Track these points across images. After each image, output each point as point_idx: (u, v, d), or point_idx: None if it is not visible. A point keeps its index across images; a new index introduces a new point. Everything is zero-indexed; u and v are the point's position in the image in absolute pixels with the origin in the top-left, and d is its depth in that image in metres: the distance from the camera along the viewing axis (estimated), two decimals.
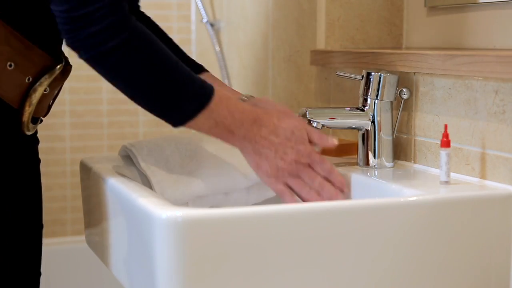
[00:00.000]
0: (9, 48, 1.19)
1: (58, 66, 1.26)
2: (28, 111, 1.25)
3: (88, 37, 1.11)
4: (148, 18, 1.51)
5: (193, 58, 1.48)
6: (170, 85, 1.16)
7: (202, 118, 1.18)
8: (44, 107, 1.31)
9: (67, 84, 2.47)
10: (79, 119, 2.54)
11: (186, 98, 1.16)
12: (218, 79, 1.48)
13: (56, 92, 1.32)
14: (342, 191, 1.27)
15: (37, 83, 1.24)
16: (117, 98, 2.53)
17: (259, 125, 1.22)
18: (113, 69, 1.14)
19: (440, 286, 1.14)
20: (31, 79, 1.24)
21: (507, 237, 1.16)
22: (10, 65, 1.21)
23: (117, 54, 1.12)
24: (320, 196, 1.25)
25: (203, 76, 1.43)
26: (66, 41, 1.14)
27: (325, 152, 1.45)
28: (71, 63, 1.31)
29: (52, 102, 1.34)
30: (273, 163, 1.22)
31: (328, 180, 1.26)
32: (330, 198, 1.25)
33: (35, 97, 1.25)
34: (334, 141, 1.28)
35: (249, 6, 2.13)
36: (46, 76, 1.25)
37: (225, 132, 1.20)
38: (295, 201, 1.25)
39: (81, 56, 1.14)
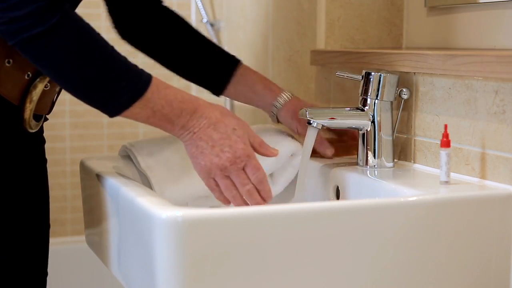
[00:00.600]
0: (6, 45, 1.19)
1: None
2: (29, 108, 1.25)
3: (13, 21, 1.08)
4: (173, 12, 1.49)
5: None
6: (103, 73, 1.12)
7: (137, 107, 1.14)
8: (47, 104, 1.30)
9: None
10: (79, 119, 2.54)
11: (120, 87, 1.13)
12: (257, 72, 1.47)
13: (58, 88, 1.32)
14: (265, 201, 1.23)
15: (37, 79, 1.24)
16: None
17: (199, 116, 1.18)
18: (40, 56, 1.10)
19: (440, 286, 1.14)
20: (30, 75, 1.23)
21: (507, 237, 1.16)
22: (9, 62, 1.20)
23: (43, 40, 1.08)
24: (245, 203, 1.22)
25: (240, 69, 1.45)
26: None
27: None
28: None
29: (55, 99, 1.34)
30: (207, 158, 1.18)
31: (256, 188, 1.22)
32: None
33: (36, 93, 1.24)
34: (275, 152, 1.25)
35: (249, 6, 2.13)
36: None
37: (163, 121, 1.17)
38: (224, 199, 1.22)
39: (8, 41, 1.10)
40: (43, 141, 1.36)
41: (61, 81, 1.14)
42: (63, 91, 1.39)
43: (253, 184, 1.21)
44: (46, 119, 1.35)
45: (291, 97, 1.44)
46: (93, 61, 1.12)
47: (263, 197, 1.22)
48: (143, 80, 1.15)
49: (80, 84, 1.13)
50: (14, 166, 1.27)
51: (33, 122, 1.27)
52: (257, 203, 1.22)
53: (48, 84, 1.26)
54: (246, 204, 1.22)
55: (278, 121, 1.47)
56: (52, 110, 1.34)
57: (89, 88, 1.13)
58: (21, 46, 1.10)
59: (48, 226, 1.37)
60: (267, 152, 1.24)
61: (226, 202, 1.23)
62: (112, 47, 1.14)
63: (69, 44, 1.10)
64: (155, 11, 1.47)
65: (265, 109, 1.47)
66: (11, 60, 1.20)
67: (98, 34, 1.13)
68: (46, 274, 1.38)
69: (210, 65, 1.46)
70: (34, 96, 1.24)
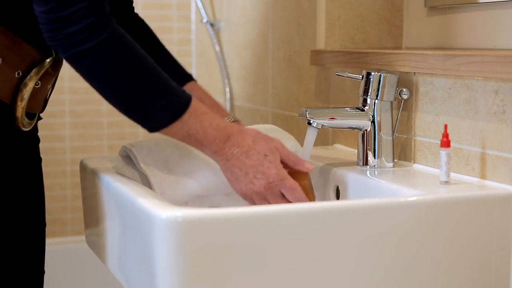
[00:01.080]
0: None
1: (48, 60, 1.27)
2: (20, 106, 1.25)
3: (67, 37, 1.12)
4: (141, 21, 1.51)
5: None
6: (145, 91, 1.16)
7: (175, 128, 1.18)
8: (39, 102, 1.30)
9: (67, 84, 2.48)
10: (79, 119, 2.54)
11: (160, 107, 1.17)
12: (204, 90, 1.48)
13: (50, 86, 1.32)
14: None
15: (27, 77, 1.24)
16: None
17: (231, 144, 1.22)
18: (90, 69, 1.15)
19: (440, 286, 1.14)
20: (20, 73, 1.24)
21: (507, 237, 1.16)
22: None
23: (94, 54, 1.13)
24: None
25: (190, 86, 1.45)
26: (46, 39, 1.15)
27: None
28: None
29: (48, 97, 1.34)
30: (243, 185, 1.23)
31: None
32: None
33: (26, 91, 1.25)
34: (310, 166, 1.27)
35: (249, 6, 2.13)
36: (36, 69, 1.25)
37: (197, 144, 1.21)
38: None
39: (60, 54, 1.15)
40: (37, 140, 1.37)
41: (107, 94, 1.18)
42: (55, 89, 1.40)
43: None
44: (40, 118, 1.35)
45: (236, 120, 1.42)
46: (138, 77, 1.16)
47: None
48: (182, 102, 1.18)
49: (124, 99, 1.18)
50: (8, 166, 1.27)
51: (26, 121, 1.27)
52: None
53: (39, 82, 1.26)
54: None
55: None
56: (48, 106, 1.35)
57: (131, 104, 1.17)
58: (73, 59, 1.14)
59: (44, 225, 1.37)
60: (302, 168, 1.27)
61: None
62: (155, 65, 1.18)
63: (117, 59, 1.14)
64: (124, 18, 1.47)
65: None
66: (0, 59, 1.21)
67: (143, 52, 1.17)
68: (43, 272, 1.38)
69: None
70: (25, 94, 1.25)
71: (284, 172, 1.24)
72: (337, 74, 1.43)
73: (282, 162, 1.25)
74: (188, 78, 1.47)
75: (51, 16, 1.12)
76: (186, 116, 1.18)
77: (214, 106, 1.45)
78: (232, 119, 1.39)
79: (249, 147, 1.22)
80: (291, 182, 1.23)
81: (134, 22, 1.50)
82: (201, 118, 1.19)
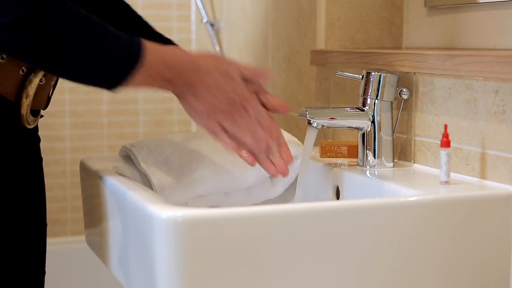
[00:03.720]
0: None
1: None
2: (26, 103, 1.25)
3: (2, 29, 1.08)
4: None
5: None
6: (98, 52, 1.12)
7: (137, 76, 1.14)
8: (43, 99, 1.30)
9: (67, 84, 2.48)
10: (79, 119, 2.54)
11: (116, 61, 1.13)
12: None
13: (53, 82, 1.32)
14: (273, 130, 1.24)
15: (32, 74, 1.24)
16: (117, 98, 2.53)
17: (197, 71, 1.19)
18: (34, 58, 1.11)
19: (440, 286, 1.14)
20: (25, 70, 1.23)
21: (507, 237, 1.16)
22: (2, 58, 1.20)
23: (34, 45, 1.09)
24: (254, 138, 1.22)
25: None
26: None
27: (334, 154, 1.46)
28: None
29: (51, 94, 1.34)
30: (206, 102, 1.19)
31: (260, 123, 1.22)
32: (263, 138, 1.22)
33: (31, 88, 1.25)
34: (266, 73, 1.25)
35: (249, 6, 2.13)
36: None
37: (163, 82, 1.18)
38: (229, 141, 1.21)
39: (1, 50, 1.13)
40: (38, 139, 1.37)
41: (61, 74, 1.16)
42: (58, 86, 1.39)
43: (256, 119, 1.22)
44: (41, 116, 1.35)
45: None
46: (87, 43, 1.11)
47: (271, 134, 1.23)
48: (136, 47, 1.14)
49: (79, 70, 1.13)
50: (10, 165, 1.27)
51: (30, 118, 1.27)
52: (264, 135, 1.22)
53: (43, 78, 1.26)
54: (255, 141, 1.22)
55: None
56: (48, 106, 1.34)
57: (88, 70, 1.13)
58: (13, 53, 1.12)
59: (45, 225, 1.37)
60: (260, 76, 1.25)
61: (237, 148, 1.22)
62: (101, 22, 1.13)
63: (63, 35, 1.10)
64: None
65: None
66: (4, 56, 1.21)
67: (86, 13, 1.13)
68: (43, 272, 1.38)
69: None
70: (30, 91, 1.25)
71: (244, 85, 1.21)
72: (337, 74, 1.43)
73: (242, 77, 1.23)
74: (170, 42, 1.42)
75: None
76: (145, 60, 1.14)
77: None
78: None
79: (210, 65, 1.19)
80: (252, 95, 1.21)
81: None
82: (162, 57, 1.16)
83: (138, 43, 1.15)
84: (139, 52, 1.14)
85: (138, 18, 1.45)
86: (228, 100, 1.20)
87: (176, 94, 1.21)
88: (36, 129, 1.35)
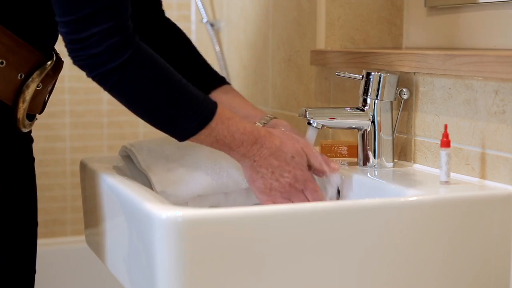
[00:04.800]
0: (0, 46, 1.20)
1: (49, 62, 1.28)
2: (22, 108, 1.26)
3: (90, 57, 1.14)
4: (173, 25, 1.52)
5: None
6: (171, 104, 1.19)
7: (203, 135, 1.21)
8: (39, 104, 1.31)
9: (67, 84, 2.48)
10: (79, 119, 2.54)
11: (187, 117, 1.20)
12: (238, 93, 1.49)
13: (50, 88, 1.33)
14: None
15: (29, 79, 1.25)
16: None
17: (260, 146, 1.24)
18: (116, 88, 1.17)
19: (440, 286, 1.14)
20: (23, 75, 1.25)
21: (507, 237, 1.16)
22: (2, 63, 1.22)
23: (118, 74, 1.15)
24: None
25: (224, 89, 1.47)
26: (72, 59, 1.17)
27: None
28: (63, 59, 1.32)
29: (47, 99, 1.35)
30: (267, 182, 1.25)
31: None
32: None
33: (29, 93, 1.26)
34: (336, 167, 1.31)
35: (249, 6, 2.13)
36: (38, 72, 1.26)
37: (225, 148, 1.24)
38: None
39: (87, 75, 1.17)
40: (31, 140, 1.37)
41: (135, 110, 1.20)
42: (55, 89, 1.40)
43: None
44: (36, 118, 1.36)
45: (273, 117, 1.43)
46: (162, 93, 1.18)
47: None
48: (208, 110, 1.21)
49: (151, 114, 1.20)
50: (4, 166, 1.27)
51: (26, 122, 1.28)
52: None
53: (40, 84, 1.27)
54: None
55: None
56: (49, 106, 1.35)
57: (160, 117, 1.20)
58: (99, 79, 1.17)
59: (35, 224, 1.38)
60: (327, 169, 1.31)
61: None
62: (180, 78, 1.20)
63: (140, 77, 1.17)
64: (156, 22, 1.48)
65: None
66: (4, 61, 1.22)
67: (167, 65, 1.20)
68: (34, 271, 1.38)
69: (196, 79, 1.46)
70: (27, 96, 1.26)
71: (309, 174, 1.27)
72: (337, 74, 1.43)
73: (308, 163, 1.29)
74: (222, 81, 1.48)
75: (73, 37, 1.14)
76: (213, 123, 1.21)
77: (248, 106, 1.46)
78: (269, 119, 1.40)
79: (277, 148, 1.25)
80: (315, 184, 1.27)
81: (165, 27, 1.51)
82: (228, 124, 1.22)
83: (211, 107, 1.21)
84: (209, 117, 1.20)
85: (194, 50, 1.50)
86: (289, 186, 1.26)
87: (239, 162, 1.27)
88: (30, 130, 1.36)
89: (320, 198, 1.28)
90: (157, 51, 1.43)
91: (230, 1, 2.30)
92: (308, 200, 1.27)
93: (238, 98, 1.47)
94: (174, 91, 1.19)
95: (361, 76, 1.39)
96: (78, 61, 1.16)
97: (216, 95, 1.45)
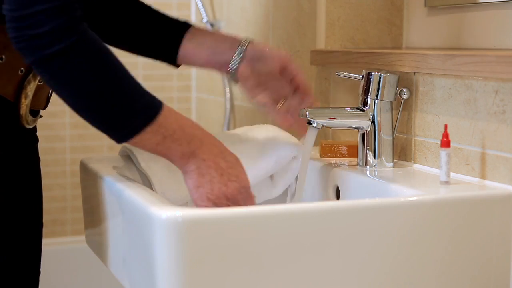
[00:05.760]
0: None
1: None
2: (25, 104, 1.25)
3: (31, 38, 1.06)
4: None
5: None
6: (116, 97, 1.10)
7: (149, 132, 1.12)
8: (42, 99, 1.30)
9: None
10: (79, 119, 2.53)
11: (133, 112, 1.11)
12: (207, 30, 1.41)
13: None
14: None
15: (31, 74, 1.24)
16: None
17: (208, 143, 1.16)
18: (56, 75, 1.09)
19: (440, 286, 1.14)
20: (24, 70, 1.23)
21: (507, 237, 1.16)
22: (1, 58, 1.20)
23: (61, 60, 1.07)
24: None
25: (191, 30, 1.37)
26: (12, 41, 1.09)
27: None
28: None
29: (51, 94, 1.34)
30: (216, 187, 1.15)
31: None
32: None
33: (31, 88, 1.24)
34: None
35: (249, 6, 2.13)
36: None
37: (172, 148, 1.14)
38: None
39: (26, 60, 1.09)
40: (36, 139, 1.37)
41: (73, 102, 1.12)
42: None
43: None
44: (40, 116, 1.35)
45: (249, 41, 1.35)
46: (107, 84, 1.10)
47: None
48: (155, 105, 1.13)
49: (91, 107, 1.11)
50: (8, 164, 1.27)
51: (30, 118, 1.27)
52: None
53: (42, 80, 1.25)
54: None
55: (237, 80, 1.37)
56: (49, 106, 1.35)
57: (101, 111, 1.11)
58: (38, 64, 1.08)
59: (41, 225, 1.37)
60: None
61: None
62: (126, 71, 1.12)
63: (84, 65, 1.08)
64: None
65: (223, 66, 1.36)
66: (3, 57, 1.20)
67: (114, 57, 1.12)
68: (39, 272, 1.38)
69: (161, 34, 1.38)
70: (29, 91, 1.24)
71: (249, 180, 1.20)
72: (337, 74, 1.43)
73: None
74: (188, 25, 1.39)
75: (16, 14, 1.06)
76: (161, 118, 1.12)
77: (224, 38, 1.37)
78: (248, 41, 1.35)
79: (224, 148, 1.18)
80: (251, 191, 1.20)
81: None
82: (177, 118, 1.14)
83: (158, 102, 1.13)
84: (156, 110, 1.12)
85: (147, 7, 1.41)
86: (235, 189, 1.17)
87: (181, 167, 1.17)
88: (34, 129, 1.35)
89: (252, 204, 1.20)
90: (113, 22, 1.36)
91: (230, 1, 2.30)
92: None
93: (209, 35, 1.38)
94: (120, 84, 1.10)
95: (361, 76, 1.39)
96: (19, 42, 1.07)
97: (192, 35, 1.36)
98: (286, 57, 1.36)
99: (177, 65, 1.40)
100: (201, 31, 1.38)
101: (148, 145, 1.14)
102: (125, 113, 1.11)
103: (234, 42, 1.36)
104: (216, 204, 1.17)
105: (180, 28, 1.37)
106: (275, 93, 1.36)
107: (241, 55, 1.34)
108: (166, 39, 1.38)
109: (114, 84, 1.10)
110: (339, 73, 1.42)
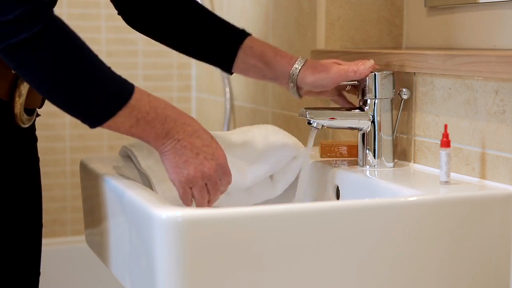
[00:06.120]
0: None
1: None
2: (19, 102, 1.24)
3: None
4: None
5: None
6: (87, 82, 1.09)
7: (122, 116, 1.11)
8: (37, 98, 1.29)
9: None
10: None
11: (105, 96, 1.10)
12: (263, 42, 1.43)
13: None
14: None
15: None
16: None
17: (182, 123, 1.16)
18: (23, 64, 1.07)
19: (440, 286, 1.14)
20: None
21: (507, 237, 1.16)
22: None
23: (28, 47, 1.06)
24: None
25: (248, 40, 1.41)
26: None
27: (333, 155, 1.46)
28: None
29: None
30: (192, 167, 1.16)
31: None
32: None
33: (24, 87, 1.23)
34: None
35: (249, 6, 2.13)
36: None
37: (147, 130, 1.14)
38: (190, 204, 1.21)
39: None
40: (35, 139, 1.36)
41: (44, 89, 1.10)
42: None
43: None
44: (38, 115, 1.35)
45: (307, 59, 1.38)
46: (78, 69, 1.09)
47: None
48: (127, 88, 1.12)
49: (62, 93, 1.10)
50: (6, 165, 1.26)
51: (25, 117, 1.26)
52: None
53: None
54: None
55: (300, 93, 1.40)
56: (49, 107, 1.34)
57: (72, 97, 1.10)
58: (7, 53, 1.07)
59: (40, 225, 1.37)
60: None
61: (189, 205, 1.22)
62: (96, 56, 1.11)
63: (54, 51, 1.07)
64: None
65: (281, 79, 1.40)
66: None
67: (83, 42, 1.11)
68: (38, 273, 1.38)
69: (218, 40, 1.41)
70: (23, 89, 1.23)
71: (226, 157, 1.20)
72: None
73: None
74: (245, 33, 1.42)
75: None
76: (133, 100, 1.11)
77: (278, 53, 1.40)
78: (304, 60, 1.38)
79: (199, 126, 1.17)
80: (228, 167, 1.21)
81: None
82: (149, 99, 1.13)
83: (130, 85, 1.13)
84: (129, 93, 1.12)
85: (205, 10, 1.43)
86: (211, 168, 1.18)
87: (157, 148, 1.17)
88: (33, 128, 1.35)
89: (229, 183, 1.21)
90: (171, 23, 1.37)
91: (230, 1, 2.30)
92: (220, 193, 1.20)
93: (266, 45, 1.42)
94: (91, 69, 1.09)
95: (356, 81, 1.39)
96: None
97: (249, 47, 1.40)
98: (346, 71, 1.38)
99: (232, 73, 1.44)
100: (258, 43, 1.42)
101: (122, 128, 1.13)
102: (98, 98, 1.10)
103: (290, 58, 1.39)
104: (193, 183, 1.17)
105: (237, 37, 1.41)
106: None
107: (299, 68, 1.37)
108: (223, 47, 1.41)
109: (84, 70, 1.09)
110: None
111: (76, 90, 1.09)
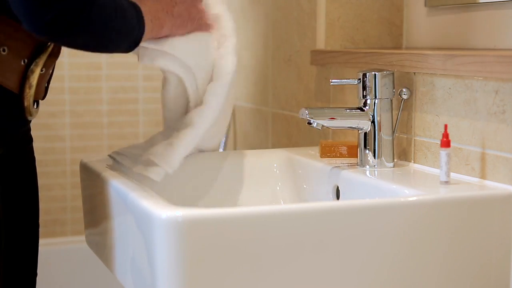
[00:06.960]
0: None
1: (49, 43, 1.25)
2: (29, 94, 1.24)
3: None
4: None
5: None
6: (125, 22, 1.21)
7: (148, 27, 1.27)
8: (42, 89, 1.29)
9: (67, 84, 2.48)
10: (79, 119, 2.54)
11: (134, 24, 1.23)
12: None
13: (51, 71, 1.31)
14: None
15: (33, 64, 1.23)
16: (117, 98, 2.53)
17: (173, 4, 1.34)
18: (79, 32, 1.13)
19: (440, 285, 1.14)
20: (26, 61, 1.23)
21: (507, 237, 1.16)
22: (4, 50, 1.20)
23: (85, 12, 1.11)
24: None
25: None
26: (26, 25, 1.09)
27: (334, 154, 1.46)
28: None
29: (48, 83, 1.33)
30: (182, 8, 1.37)
31: None
32: None
33: (34, 78, 1.24)
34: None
35: (249, 6, 2.13)
36: (41, 55, 1.23)
37: (159, 26, 1.31)
38: None
39: (48, 15, 1.09)
40: (31, 139, 1.36)
41: (95, 43, 1.20)
42: (55, 89, 1.39)
43: None
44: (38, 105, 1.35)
45: None
46: (120, 13, 1.19)
47: None
48: (140, 12, 1.25)
49: (117, 37, 1.21)
50: (4, 165, 1.26)
51: (33, 109, 1.27)
52: None
53: (43, 68, 1.25)
54: None
55: None
56: (48, 107, 1.34)
57: (123, 37, 1.22)
58: (69, 20, 1.10)
59: (37, 226, 1.37)
60: None
61: None
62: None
63: (103, 7, 1.15)
64: None
65: None
66: (5, 48, 1.20)
67: None
68: (35, 274, 1.38)
69: None
70: (33, 80, 1.24)
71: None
72: (331, 83, 1.41)
73: None
74: None
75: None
76: (144, 18, 1.25)
77: None
78: None
79: None
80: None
81: None
82: (145, 11, 1.26)
83: (138, 7, 1.25)
84: (141, 15, 1.25)
85: None
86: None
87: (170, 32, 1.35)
88: (29, 129, 1.35)
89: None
90: None
91: (230, 1, 2.30)
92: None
93: None
94: (123, 11, 1.21)
95: (356, 80, 1.39)
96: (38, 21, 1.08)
97: None
98: None
99: None
100: None
101: (147, 35, 1.28)
102: (131, 32, 1.23)
103: None
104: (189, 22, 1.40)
105: None
106: None
107: None
108: None
109: (121, 15, 1.21)
110: (334, 81, 1.42)
111: (120, 33, 1.21)
